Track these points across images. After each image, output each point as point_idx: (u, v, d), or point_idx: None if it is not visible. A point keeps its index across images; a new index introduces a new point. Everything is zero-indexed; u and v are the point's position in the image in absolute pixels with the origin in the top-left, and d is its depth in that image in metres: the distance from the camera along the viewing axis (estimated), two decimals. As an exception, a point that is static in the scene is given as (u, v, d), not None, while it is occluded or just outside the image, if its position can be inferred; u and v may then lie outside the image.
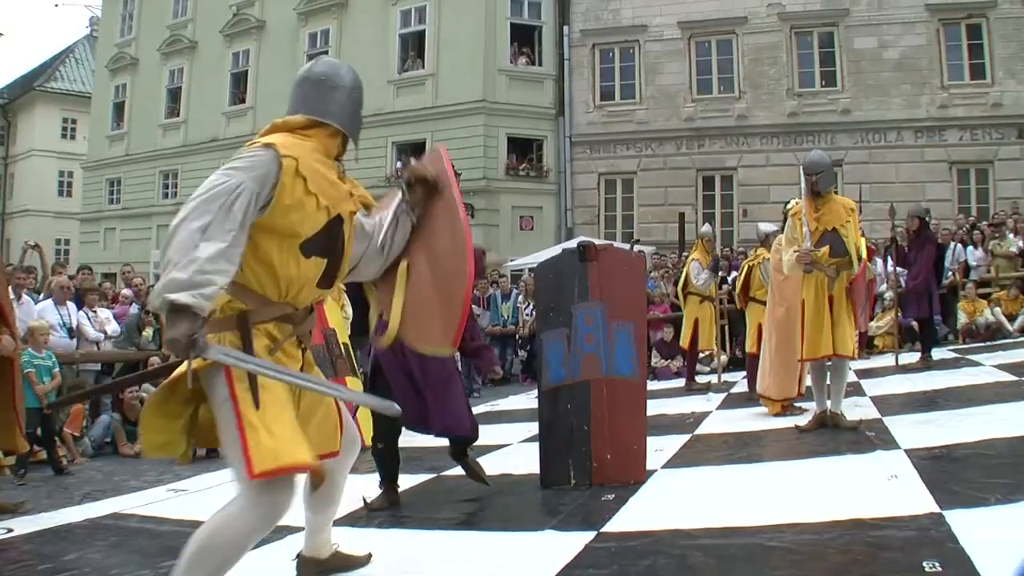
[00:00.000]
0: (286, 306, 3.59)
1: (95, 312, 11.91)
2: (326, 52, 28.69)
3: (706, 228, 13.95)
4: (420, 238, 4.00)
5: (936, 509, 4.48)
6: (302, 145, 3.58)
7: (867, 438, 7.00)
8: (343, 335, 8.51)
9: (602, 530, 4.96)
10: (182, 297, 3.01)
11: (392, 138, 26.63)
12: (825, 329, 7.67)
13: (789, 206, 9.52)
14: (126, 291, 13.90)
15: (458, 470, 6.42)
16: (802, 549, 4.24)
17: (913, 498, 4.79)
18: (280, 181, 3.39)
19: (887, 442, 6.66)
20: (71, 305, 11.49)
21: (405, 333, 3.97)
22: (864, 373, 11.83)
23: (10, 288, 10.53)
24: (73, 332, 11.30)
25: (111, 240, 34.13)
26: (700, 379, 13.45)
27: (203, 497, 7.14)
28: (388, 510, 5.93)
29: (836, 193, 8.49)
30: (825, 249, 7.72)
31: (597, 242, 7.50)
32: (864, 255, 8.34)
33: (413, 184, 3.99)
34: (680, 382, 13.58)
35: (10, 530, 6.10)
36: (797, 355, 8.10)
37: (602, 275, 6.41)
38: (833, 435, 7.40)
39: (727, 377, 13.61)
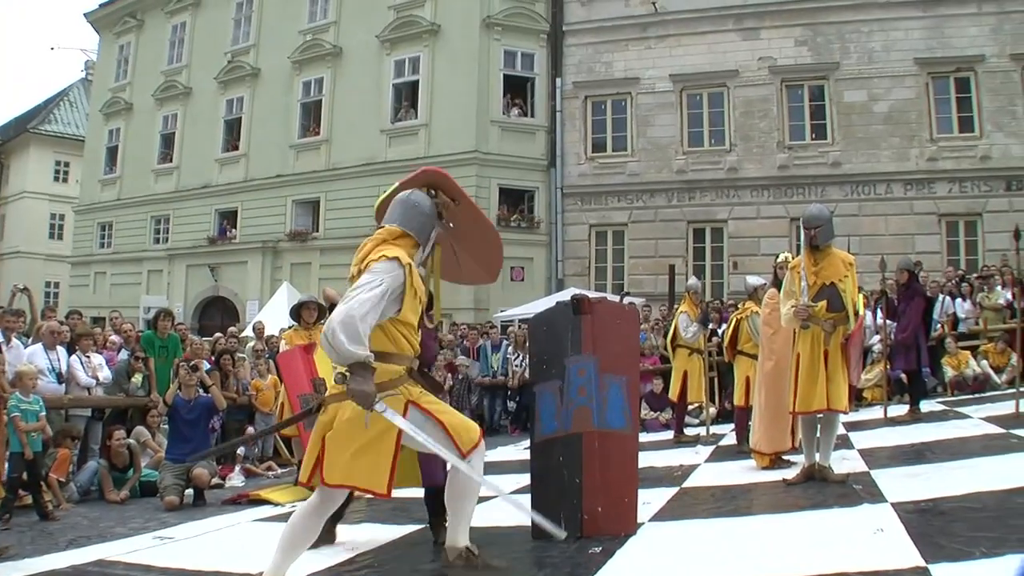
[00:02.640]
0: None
1: (88, 357, 11.89)
2: (320, 101, 28.95)
3: (693, 281, 14.00)
4: (452, 234, 5.68)
5: (922, 563, 4.48)
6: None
7: (854, 491, 6.99)
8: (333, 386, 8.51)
9: (589, 583, 4.95)
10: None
11: (384, 187, 26.46)
12: (819, 383, 7.63)
13: (779, 259, 9.60)
14: (114, 337, 13.88)
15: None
16: (788, 603, 4.24)
17: (899, 552, 4.79)
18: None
19: (874, 495, 6.66)
20: (60, 350, 11.48)
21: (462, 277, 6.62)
22: (852, 425, 11.81)
23: (-1, 333, 10.59)
24: (62, 377, 11.28)
25: (101, 284, 34.15)
26: (689, 431, 13.43)
27: (189, 545, 7.12)
28: (361, 564, 5.91)
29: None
30: (823, 303, 7.71)
31: (591, 295, 7.53)
32: (861, 310, 8.35)
33: (441, 211, 5.46)
34: (669, 434, 13.56)
35: (-7, 576, 6.07)
36: (788, 408, 8.09)
37: (596, 328, 6.42)
38: (820, 488, 7.40)
39: (716, 429, 13.56)
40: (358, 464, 4.58)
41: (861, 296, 8.55)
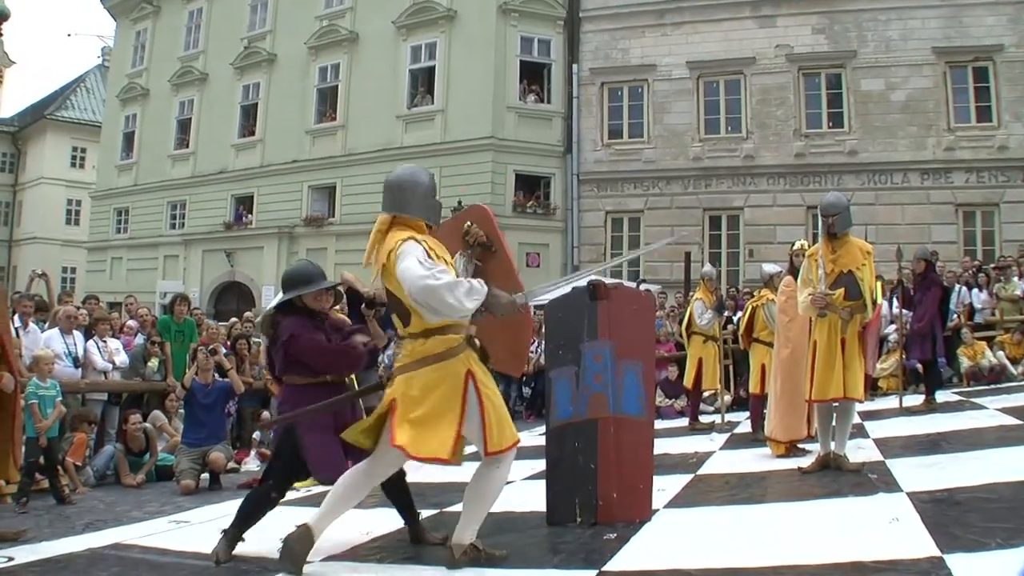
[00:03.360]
0: None
1: (105, 342, 11.93)
2: (336, 86, 28.94)
3: (708, 268, 13.99)
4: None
5: (937, 553, 4.46)
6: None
7: (869, 480, 6.97)
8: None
9: (603, 569, 4.95)
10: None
11: (400, 173, 26.65)
12: (836, 371, 7.58)
13: (795, 247, 9.56)
14: (130, 322, 13.93)
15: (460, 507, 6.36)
16: (803, 591, 4.23)
17: (914, 541, 4.77)
18: None
19: (889, 484, 6.64)
20: (77, 334, 11.52)
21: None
22: (868, 415, 11.74)
23: (16, 316, 10.62)
24: (79, 361, 11.33)
25: (118, 269, 34.22)
26: (704, 419, 13.44)
27: (205, 529, 7.13)
28: (377, 547, 5.93)
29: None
30: (840, 292, 7.66)
31: (607, 281, 7.51)
32: (879, 299, 8.30)
33: (473, 245, 5.56)
34: (684, 421, 13.56)
35: (11, 559, 6.10)
36: (804, 396, 8.06)
37: (612, 314, 6.40)
38: (835, 477, 7.37)
39: (731, 417, 13.55)
40: (425, 434, 4.76)
41: (879, 284, 8.49)
